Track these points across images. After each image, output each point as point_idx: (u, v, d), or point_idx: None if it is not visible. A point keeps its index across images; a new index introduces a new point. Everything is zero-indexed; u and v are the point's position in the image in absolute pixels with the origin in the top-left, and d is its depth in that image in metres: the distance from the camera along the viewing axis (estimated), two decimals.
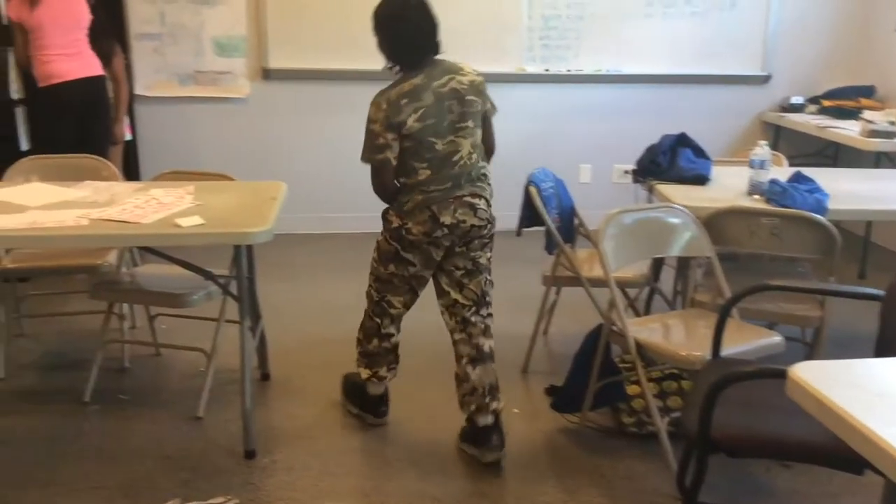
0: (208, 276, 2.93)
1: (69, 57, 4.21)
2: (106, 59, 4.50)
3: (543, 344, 3.69)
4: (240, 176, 3.38)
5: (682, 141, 3.56)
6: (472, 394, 2.77)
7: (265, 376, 3.34)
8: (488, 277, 2.84)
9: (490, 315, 2.86)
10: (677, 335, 2.87)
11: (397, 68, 2.71)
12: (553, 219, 3.19)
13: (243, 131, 5.33)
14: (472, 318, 2.81)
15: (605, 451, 2.83)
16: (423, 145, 2.63)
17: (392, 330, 2.93)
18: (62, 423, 2.96)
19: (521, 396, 3.23)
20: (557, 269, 3.30)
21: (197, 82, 5.23)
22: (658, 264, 3.40)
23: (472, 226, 2.71)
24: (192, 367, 3.38)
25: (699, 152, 3.55)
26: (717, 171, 3.48)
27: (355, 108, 5.25)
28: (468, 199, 2.70)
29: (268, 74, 5.23)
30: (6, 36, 4.10)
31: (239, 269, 2.84)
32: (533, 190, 3.16)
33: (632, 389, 2.88)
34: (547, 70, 5.40)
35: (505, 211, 5.24)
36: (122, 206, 2.75)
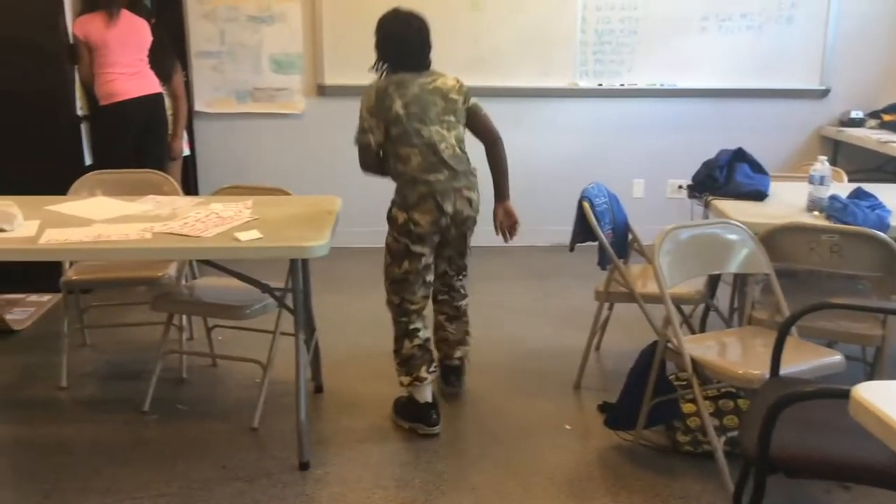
0: (265, 288, 2.98)
1: (130, 76, 4.34)
2: (166, 77, 4.63)
3: (595, 360, 3.66)
4: (295, 190, 3.43)
5: (740, 156, 3.52)
6: (444, 342, 3.32)
7: (318, 388, 3.37)
8: (469, 251, 3.27)
9: (465, 277, 3.32)
10: (734, 353, 2.82)
11: (385, 68, 3.04)
12: (606, 234, 3.18)
13: (299, 146, 5.42)
14: (456, 284, 3.30)
15: (660, 470, 2.80)
16: (410, 131, 2.93)
17: (419, 325, 3.08)
18: (122, 431, 3.03)
19: (573, 413, 3.21)
20: (611, 285, 3.27)
21: (254, 99, 5.35)
22: (714, 281, 3.35)
23: (468, 216, 3.08)
24: (247, 378, 3.44)
25: (757, 167, 3.50)
26: (775, 187, 3.43)
27: None
28: (465, 192, 3.04)
29: (323, 90, 5.32)
30: (72, 55, 4.24)
31: (295, 283, 2.88)
32: (586, 205, 3.14)
33: (687, 407, 2.84)
34: (600, 84, 5.38)
35: (557, 226, 5.30)
36: (184, 220, 2.81)
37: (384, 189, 5.58)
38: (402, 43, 3.02)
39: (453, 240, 3.10)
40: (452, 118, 3.01)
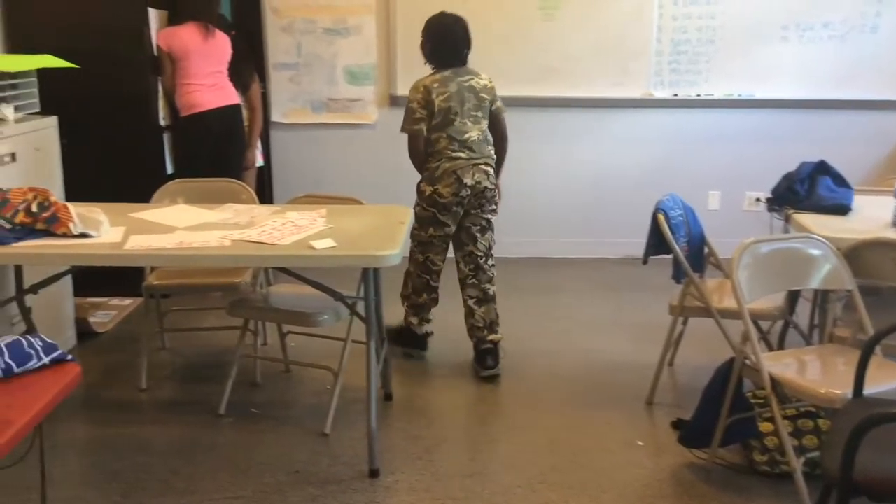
0: (338, 296, 3.02)
1: (210, 88, 4.46)
2: (244, 88, 4.75)
3: (669, 375, 3.60)
4: (367, 199, 3.47)
5: (822, 168, 3.42)
6: (476, 328, 3.65)
7: (388, 396, 3.39)
8: (493, 235, 3.68)
9: (494, 266, 3.70)
10: (815, 371, 2.73)
11: (432, 65, 3.60)
12: (681, 247, 3.12)
13: (371, 156, 5.48)
14: (483, 266, 3.64)
15: (736, 490, 2.73)
16: (446, 120, 3.48)
17: (436, 284, 3.70)
18: (198, 433, 3.10)
19: (645, 429, 3.16)
20: (686, 299, 3.21)
21: (329, 109, 5.44)
22: (794, 297, 3.26)
23: (486, 187, 3.54)
24: (318, 385, 3.48)
25: (840, 181, 3.39)
26: (858, 201, 3.32)
27: None
28: (483, 166, 3.53)
29: (395, 101, 5.37)
30: (156, 66, 4.38)
31: (367, 291, 2.91)
32: (661, 217, 3.10)
33: (765, 426, 2.76)
34: (676, 95, 5.30)
35: (629, 238, 5.24)
36: (261, 228, 2.87)
37: None
38: (443, 42, 3.57)
39: (474, 210, 3.58)
40: (479, 114, 3.56)
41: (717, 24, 5.21)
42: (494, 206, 3.64)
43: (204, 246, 2.67)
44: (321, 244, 2.69)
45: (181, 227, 2.92)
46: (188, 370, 3.74)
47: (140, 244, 2.68)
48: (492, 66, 5.25)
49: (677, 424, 3.08)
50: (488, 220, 3.63)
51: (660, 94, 5.31)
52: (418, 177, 3.61)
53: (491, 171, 3.58)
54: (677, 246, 3.08)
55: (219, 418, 3.21)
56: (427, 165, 3.55)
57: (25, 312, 3.25)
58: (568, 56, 5.26)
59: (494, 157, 3.63)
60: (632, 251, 5.29)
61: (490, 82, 3.63)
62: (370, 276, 2.91)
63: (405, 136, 3.57)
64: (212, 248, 2.66)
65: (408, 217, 3.09)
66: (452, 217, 3.53)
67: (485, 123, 3.58)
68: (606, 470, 2.85)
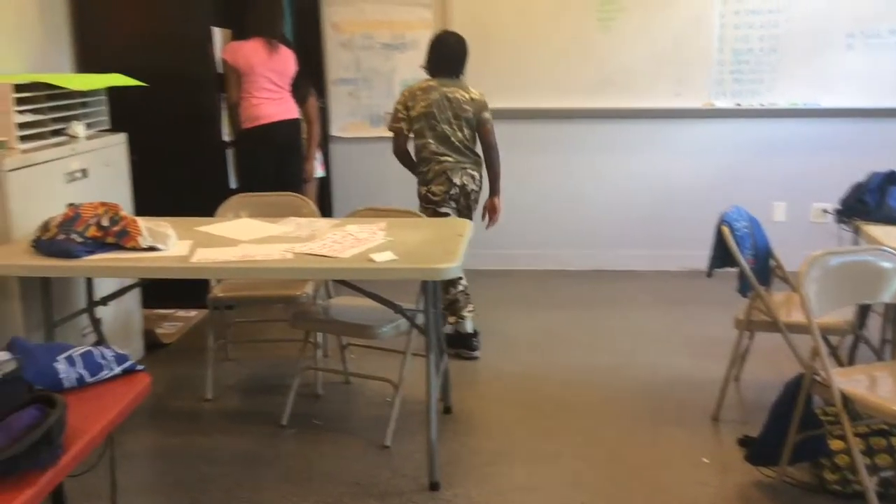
0: (398, 309, 3.03)
1: (273, 101, 4.54)
2: (301, 102, 4.84)
3: (735, 391, 3.52)
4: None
5: (892, 179, 3.32)
6: (452, 305, 3.95)
7: (447, 409, 3.39)
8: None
9: None
10: (887, 388, 2.65)
11: (427, 72, 4.00)
12: (747, 260, 3.06)
13: None
14: None
15: None
16: (429, 124, 3.88)
17: (461, 274, 3.80)
18: (262, 444, 3.14)
19: (711, 446, 3.09)
20: (752, 313, 3.14)
21: (386, 123, 5.46)
22: (864, 311, 3.16)
23: (471, 189, 3.96)
24: (378, 396, 3.50)
25: None
26: None
27: (537, 145, 5.39)
28: (469, 170, 3.95)
29: None
30: (220, 83, 4.48)
31: (427, 304, 2.92)
32: (726, 229, 3.04)
33: (835, 444, 2.68)
34: (738, 105, 5.21)
35: (691, 250, 5.15)
36: (322, 242, 2.90)
37: (511, 212, 5.62)
38: (440, 56, 3.99)
39: (463, 209, 3.95)
40: (459, 122, 3.91)
41: (780, 33, 5.11)
42: (475, 204, 4.03)
43: (267, 259, 2.71)
44: (381, 257, 2.70)
45: (245, 240, 2.98)
46: (251, 381, 3.80)
47: (206, 257, 2.73)
48: (550, 78, 5.28)
49: (744, 441, 3.01)
50: (470, 216, 3.96)
51: (721, 104, 5.22)
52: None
53: (476, 174, 3.98)
54: (743, 259, 3.02)
55: (281, 429, 3.25)
56: (420, 169, 3.97)
57: (96, 324, 3.34)
58: (626, 66, 5.22)
59: (479, 162, 4.00)
60: (694, 264, 5.20)
61: (480, 96, 3.96)
62: (430, 288, 2.92)
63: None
64: (274, 260, 2.70)
65: (466, 230, 3.09)
66: (449, 207, 3.93)
67: (467, 132, 3.93)
68: (671, 487, 2.80)
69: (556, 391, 3.57)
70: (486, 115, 3.96)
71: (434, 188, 3.90)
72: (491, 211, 4.10)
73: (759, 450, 2.80)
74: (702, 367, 3.75)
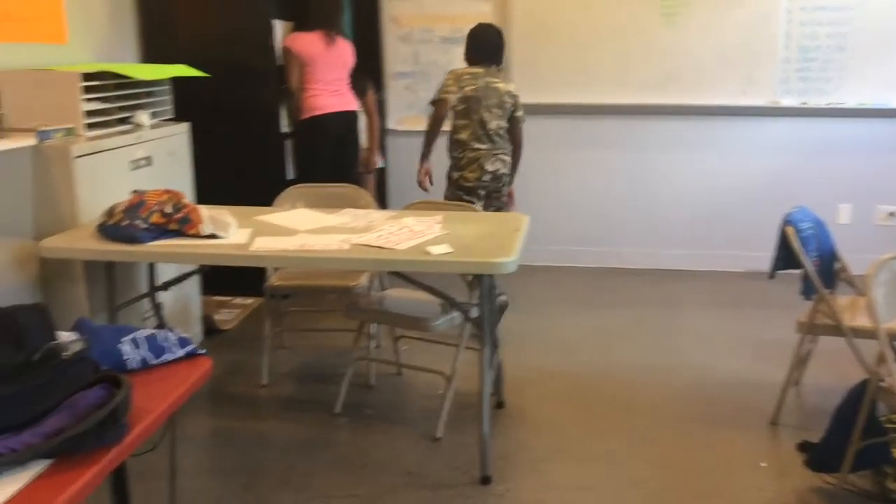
0: (452, 302, 3.03)
1: (332, 93, 4.59)
2: (360, 95, 4.87)
3: (795, 395, 3.44)
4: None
5: None
6: None
7: (499, 404, 3.38)
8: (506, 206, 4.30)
9: None
10: None
11: (468, 63, 4.20)
12: (812, 262, 2.98)
13: None
14: None
15: None
16: (470, 109, 4.12)
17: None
18: (315, 431, 3.18)
19: (769, 450, 3.03)
20: (815, 317, 3.06)
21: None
22: None
23: (503, 173, 4.21)
24: (430, 389, 3.51)
25: None
26: None
27: (596, 142, 5.34)
28: (501, 156, 4.19)
29: None
30: (281, 75, 4.54)
31: (482, 298, 2.91)
32: (790, 230, 2.97)
33: None
34: (804, 103, 5.08)
35: (753, 251, 5.05)
36: (379, 233, 2.92)
37: (568, 208, 5.59)
38: (481, 46, 4.20)
39: (494, 192, 4.23)
40: (499, 112, 4.16)
41: (848, 31, 4.96)
42: (503, 193, 4.28)
43: (324, 249, 2.73)
44: (437, 250, 2.70)
45: (303, 230, 3.00)
46: (306, 369, 3.84)
47: (264, 246, 2.77)
48: (610, 74, 5.22)
49: (804, 447, 2.93)
50: (500, 201, 4.29)
51: (787, 102, 5.09)
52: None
53: (507, 159, 4.22)
54: (807, 261, 2.95)
55: (334, 417, 3.28)
56: (453, 154, 4.21)
57: (157, 308, 3.41)
58: (690, 62, 5.13)
59: (508, 150, 4.23)
60: (755, 265, 5.11)
61: (516, 91, 4.22)
62: (485, 282, 2.91)
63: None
64: (332, 251, 2.72)
65: (523, 225, 3.07)
66: (477, 198, 4.18)
67: (503, 122, 4.18)
68: (727, 491, 2.74)
69: (610, 390, 3.54)
70: (521, 113, 4.24)
71: (467, 174, 4.16)
72: (510, 199, 4.40)
73: (819, 456, 2.73)
74: (761, 370, 3.68)
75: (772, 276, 3.05)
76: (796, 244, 2.94)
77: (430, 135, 4.21)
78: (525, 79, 5.32)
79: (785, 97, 5.10)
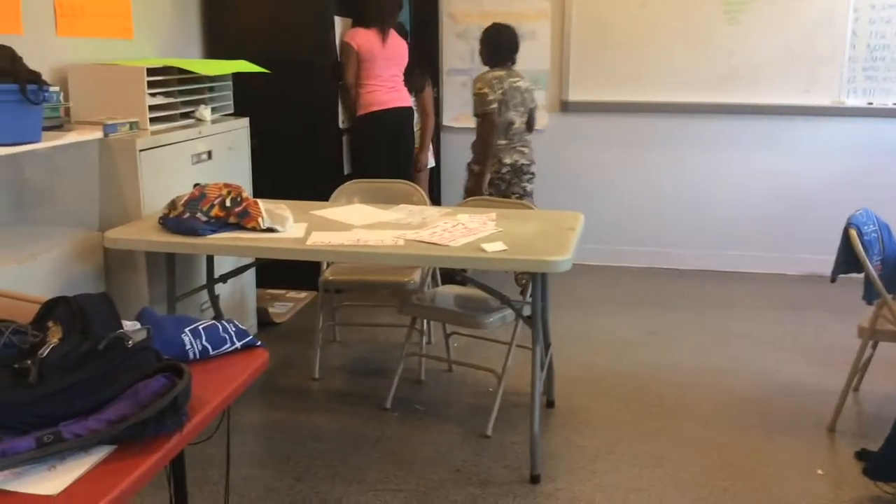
0: (505, 300, 3.03)
1: (388, 90, 4.62)
2: (417, 92, 4.88)
3: (854, 402, 3.36)
4: (537, 204, 3.46)
5: None
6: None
7: (550, 403, 3.37)
8: (531, 201, 4.20)
9: None
10: None
11: (488, 66, 4.37)
12: (875, 266, 2.91)
13: (540, 161, 5.46)
14: None
15: None
16: (498, 111, 4.23)
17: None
18: (366, 425, 3.21)
19: (825, 457, 2.96)
20: (877, 322, 2.98)
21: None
22: None
23: (522, 164, 4.39)
24: (480, 386, 3.52)
25: None
26: None
27: (654, 140, 5.27)
28: (519, 148, 4.39)
29: (566, 107, 5.34)
30: (338, 71, 4.58)
31: (535, 296, 2.90)
32: (853, 233, 2.90)
33: None
34: (870, 103, 4.94)
35: (814, 254, 4.94)
36: (433, 230, 2.93)
37: (620, 207, 5.53)
38: (496, 47, 4.35)
39: (516, 183, 4.39)
40: (522, 108, 4.37)
41: None
42: (531, 177, 4.45)
43: (379, 244, 2.76)
44: (492, 247, 2.70)
45: (358, 225, 3.04)
46: (357, 363, 3.88)
47: (321, 240, 2.80)
48: (671, 72, 5.15)
49: (862, 455, 2.87)
50: (525, 190, 4.43)
51: (852, 102, 4.97)
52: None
53: (525, 150, 4.42)
54: (870, 264, 2.87)
55: (385, 412, 3.31)
56: (476, 148, 4.35)
57: (214, 300, 3.48)
58: (752, 61, 5.03)
59: (529, 143, 4.45)
60: (815, 268, 5.00)
61: (531, 85, 4.46)
62: (538, 281, 2.90)
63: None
64: (386, 246, 2.74)
65: (578, 224, 3.05)
66: (496, 190, 4.34)
67: (527, 116, 4.41)
68: (782, 498, 2.69)
69: (663, 392, 3.50)
70: (535, 104, 4.52)
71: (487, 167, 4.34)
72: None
73: (878, 464, 2.66)
74: (818, 375, 3.60)
75: (833, 279, 2.98)
76: (859, 247, 2.87)
77: (488, 148, 4.28)
78: (582, 76, 5.29)
79: (850, 97, 4.96)
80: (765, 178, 5.20)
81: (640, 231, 5.39)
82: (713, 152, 5.22)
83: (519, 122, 4.34)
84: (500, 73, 4.29)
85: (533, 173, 4.47)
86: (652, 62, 5.14)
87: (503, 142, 4.31)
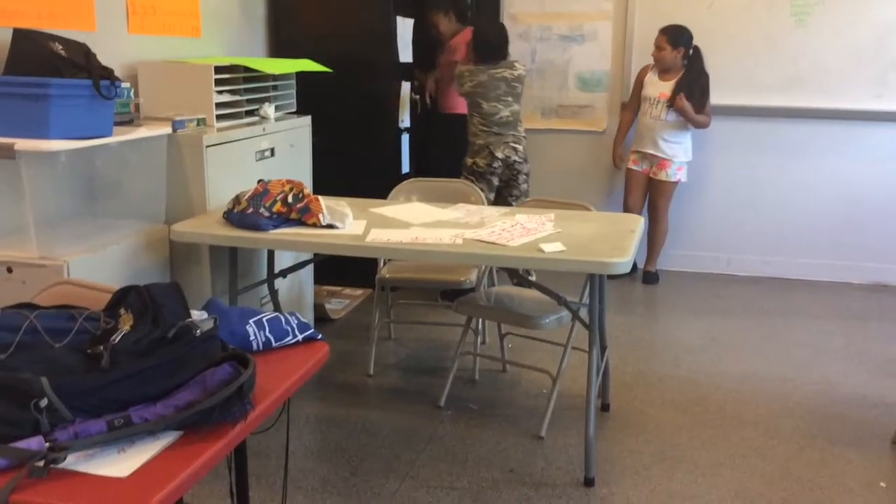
0: (562, 301, 3.02)
1: None
2: None
3: None
4: (596, 207, 3.44)
5: None
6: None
7: (605, 407, 3.34)
8: (526, 199, 4.13)
9: None
10: None
11: (474, 62, 4.39)
12: None
13: (600, 163, 5.44)
14: None
15: None
16: (475, 103, 4.36)
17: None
18: (420, 422, 3.23)
19: (889, 470, 2.88)
20: None
21: (558, 115, 5.46)
22: None
23: (515, 160, 4.40)
24: (534, 387, 3.51)
25: None
26: None
27: (719, 144, 5.19)
28: (512, 143, 4.39)
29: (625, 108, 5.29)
30: (401, 73, 4.61)
31: (592, 298, 2.88)
32: None
33: None
34: None
35: (882, 263, 4.80)
36: (491, 229, 2.93)
37: (687, 213, 5.47)
38: (484, 43, 4.36)
39: (510, 179, 4.45)
40: (510, 98, 4.36)
41: None
42: (526, 176, 4.47)
43: (437, 243, 2.77)
44: (550, 247, 2.69)
45: (416, 223, 3.05)
46: (411, 361, 3.90)
47: (379, 237, 2.83)
48: (736, 75, 5.07)
49: None
50: (520, 189, 4.47)
51: None
52: None
53: (519, 147, 4.40)
54: None
55: (439, 410, 3.32)
56: (469, 140, 4.42)
57: (274, 294, 3.53)
58: (821, 64, 4.92)
59: (523, 135, 4.47)
60: (882, 278, 4.86)
61: (524, 71, 4.44)
62: (596, 282, 2.88)
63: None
64: (445, 244, 2.75)
65: (639, 226, 3.02)
66: (487, 185, 4.35)
67: (516, 106, 4.39)
68: None
69: (722, 399, 3.44)
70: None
71: (479, 160, 4.36)
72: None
73: None
74: (883, 387, 3.50)
75: None
76: None
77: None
78: None
79: None
80: (832, 184, 5.08)
81: (702, 237, 5.31)
82: (780, 157, 5.12)
83: (506, 112, 4.34)
84: (479, 67, 4.33)
85: (527, 173, 4.48)
86: (718, 64, 5.05)
87: (493, 134, 4.34)
